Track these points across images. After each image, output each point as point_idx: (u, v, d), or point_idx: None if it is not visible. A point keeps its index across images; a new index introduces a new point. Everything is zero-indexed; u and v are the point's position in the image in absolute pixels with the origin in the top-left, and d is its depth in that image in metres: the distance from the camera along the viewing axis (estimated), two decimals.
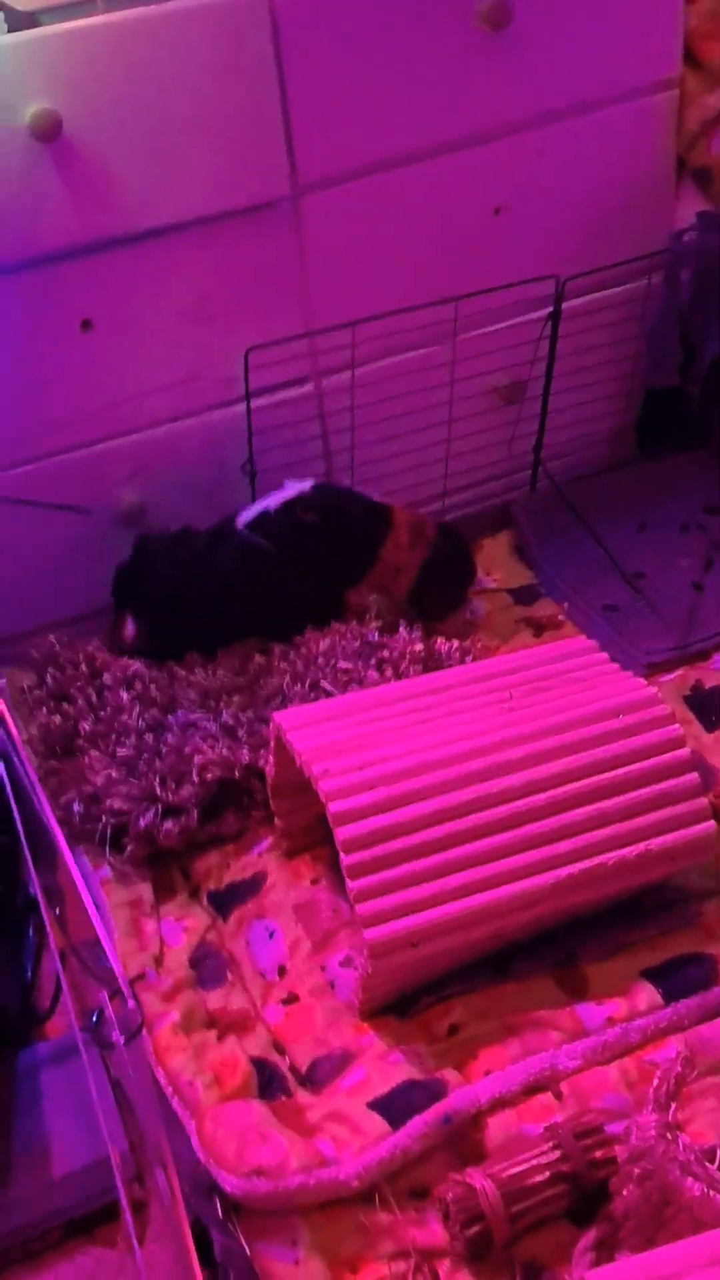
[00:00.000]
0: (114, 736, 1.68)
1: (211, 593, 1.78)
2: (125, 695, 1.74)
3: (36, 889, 1.47)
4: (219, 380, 1.80)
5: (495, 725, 1.44)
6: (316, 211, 1.75)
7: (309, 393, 1.87)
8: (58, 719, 1.71)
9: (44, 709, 1.74)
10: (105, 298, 1.69)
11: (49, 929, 1.45)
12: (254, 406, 1.80)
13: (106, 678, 1.77)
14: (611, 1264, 1.06)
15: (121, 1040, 1.02)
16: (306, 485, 1.78)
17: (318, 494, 1.78)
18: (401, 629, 1.80)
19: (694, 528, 2.03)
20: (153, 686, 1.75)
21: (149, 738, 1.67)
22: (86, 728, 1.70)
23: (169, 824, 1.60)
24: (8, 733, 1.38)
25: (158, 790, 1.61)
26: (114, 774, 1.63)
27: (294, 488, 1.78)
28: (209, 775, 1.62)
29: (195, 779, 1.61)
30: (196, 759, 1.63)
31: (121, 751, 1.66)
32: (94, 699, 1.74)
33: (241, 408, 1.80)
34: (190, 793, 1.61)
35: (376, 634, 1.79)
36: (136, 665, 1.78)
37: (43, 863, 1.45)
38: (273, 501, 1.77)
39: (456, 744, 1.42)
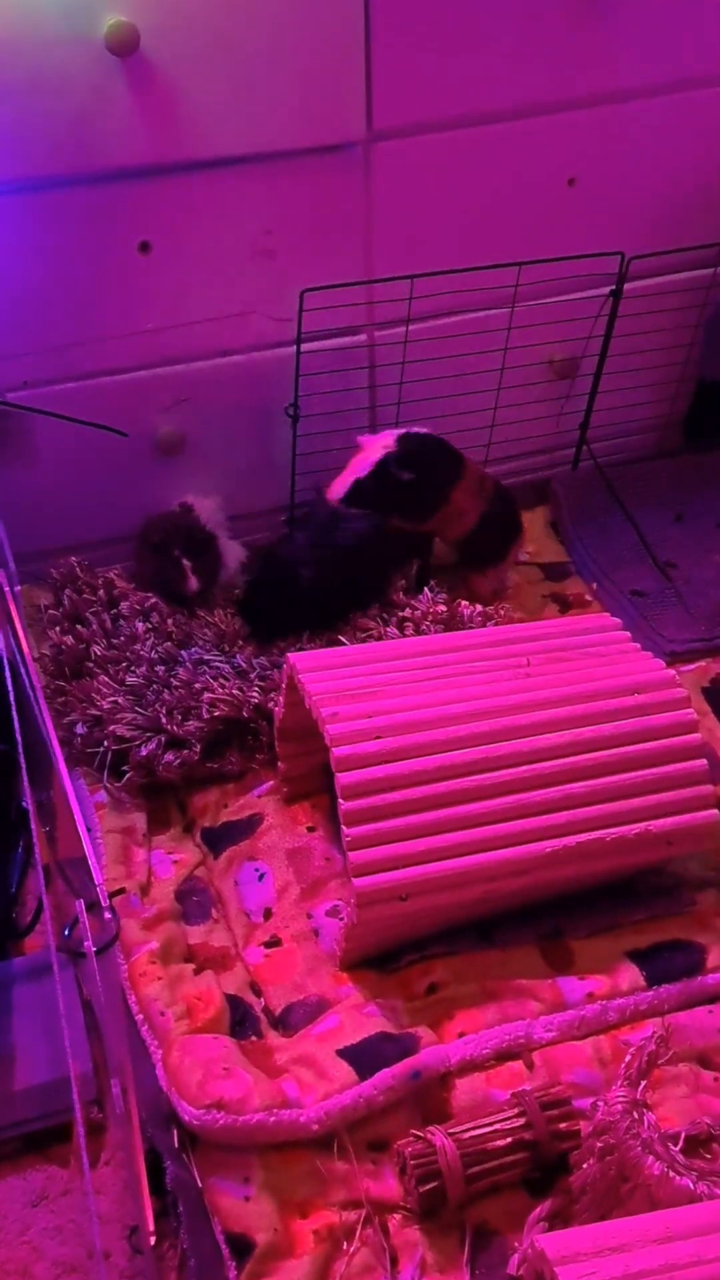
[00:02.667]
0: (125, 664, 1.68)
1: (355, 578, 1.77)
2: (140, 626, 1.73)
3: (30, 803, 1.46)
4: (272, 319, 1.78)
5: (509, 689, 1.43)
6: (388, 160, 1.72)
7: (361, 342, 1.85)
8: (70, 639, 1.70)
9: (57, 629, 1.73)
10: (166, 222, 1.67)
11: (37, 844, 1.44)
12: (304, 350, 1.78)
13: (124, 606, 1.76)
14: (564, 1230, 1.05)
15: (93, 950, 1.01)
16: (389, 439, 1.76)
17: (405, 448, 1.75)
18: (425, 591, 1.78)
19: None
20: (170, 621, 1.74)
21: (160, 669, 1.66)
22: (98, 651, 1.69)
23: (170, 755, 1.59)
24: (18, 645, 1.36)
25: (163, 721, 1.60)
26: (121, 700, 1.62)
27: (376, 446, 1.75)
28: (216, 712, 1.61)
29: (203, 715, 1.60)
30: (206, 695, 1.62)
31: (131, 679, 1.65)
32: (108, 625, 1.74)
33: (291, 350, 1.78)
34: (196, 727, 1.60)
35: (401, 593, 1.78)
36: (155, 598, 1.77)
37: (39, 780, 1.44)
38: (362, 468, 1.74)
39: (468, 703, 1.41)
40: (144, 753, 1.58)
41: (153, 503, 1.85)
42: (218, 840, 1.58)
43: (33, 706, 1.35)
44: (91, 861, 1.07)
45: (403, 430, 1.78)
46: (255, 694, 1.63)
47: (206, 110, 1.59)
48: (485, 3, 1.65)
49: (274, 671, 1.66)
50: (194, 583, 1.77)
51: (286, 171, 1.69)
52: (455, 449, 1.81)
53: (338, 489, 1.75)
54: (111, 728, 1.60)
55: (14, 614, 1.34)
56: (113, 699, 1.62)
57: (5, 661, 1.42)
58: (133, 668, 1.67)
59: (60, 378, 1.74)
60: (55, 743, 1.20)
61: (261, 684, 1.64)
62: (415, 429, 1.79)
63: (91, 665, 1.68)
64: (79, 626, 1.73)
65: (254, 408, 1.85)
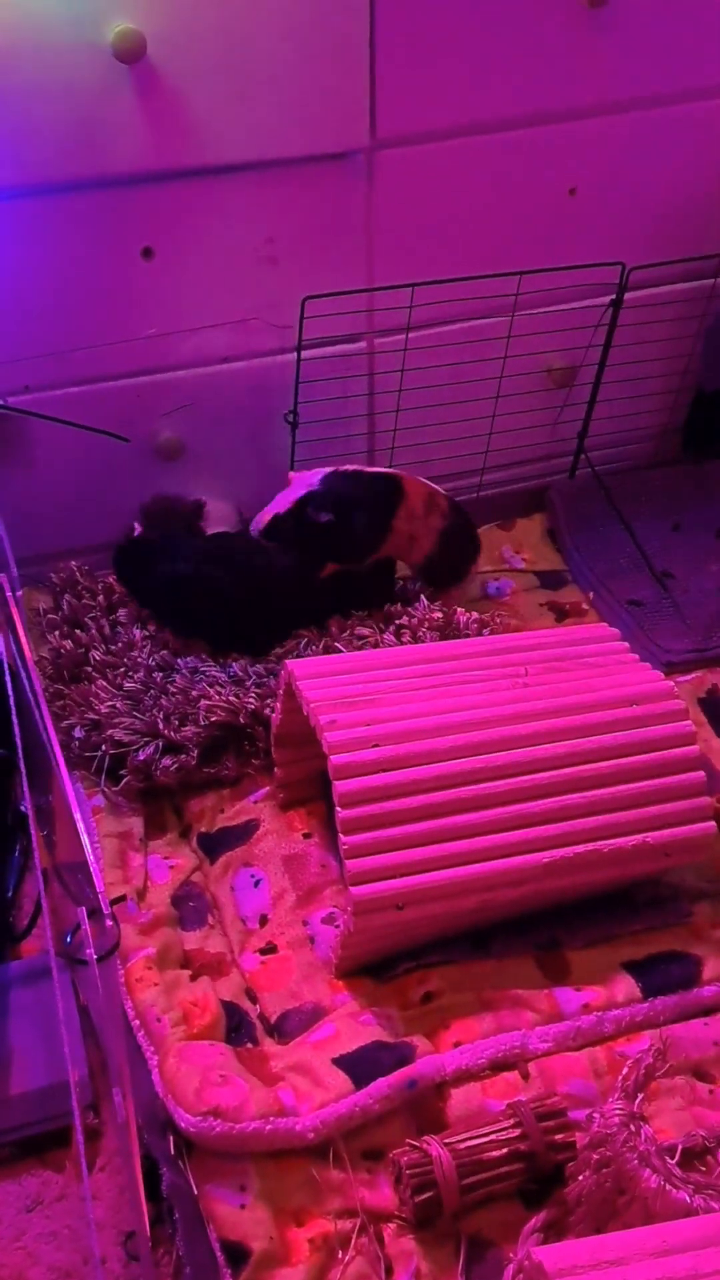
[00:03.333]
0: (123, 669, 1.68)
1: (257, 601, 1.76)
2: (138, 633, 1.73)
3: (28, 807, 1.46)
4: (273, 326, 1.78)
5: (507, 699, 1.44)
6: (391, 168, 1.72)
7: (361, 350, 1.85)
8: (69, 644, 1.71)
9: (57, 633, 1.74)
10: (169, 228, 1.67)
11: (35, 848, 1.44)
12: (304, 357, 1.78)
13: (122, 614, 1.77)
14: (560, 1243, 1.05)
15: (94, 957, 1.01)
16: (315, 479, 1.74)
17: (327, 487, 1.73)
18: (422, 598, 1.79)
19: None
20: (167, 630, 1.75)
21: (157, 675, 1.67)
22: (96, 656, 1.69)
23: (167, 760, 1.59)
24: (19, 648, 1.37)
25: (160, 726, 1.60)
26: (119, 705, 1.62)
27: (302, 484, 1.74)
28: (214, 718, 1.61)
29: (200, 721, 1.61)
30: (203, 702, 1.62)
31: (128, 684, 1.65)
32: (107, 630, 1.74)
33: (292, 357, 1.78)
34: (192, 733, 1.60)
35: (397, 604, 1.78)
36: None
37: (37, 784, 1.44)
38: (282, 504, 1.73)
39: (465, 712, 1.41)
40: (141, 757, 1.59)
41: None
42: (214, 846, 1.58)
43: (33, 710, 1.35)
44: (94, 868, 1.07)
45: (332, 469, 1.76)
46: (252, 700, 1.63)
47: (211, 117, 1.59)
48: (488, 13, 1.65)
49: (270, 679, 1.67)
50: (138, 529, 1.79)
51: (290, 179, 1.69)
52: (390, 478, 1.77)
53: (259, 521, 1.74)
54: (109, 732, 1.60)
55: (16, 618, 1.35)
56: (111, 703, 1.62)
57: (5, 665, 1.42)
58: (130, 673, 1.67)
59: (62, 382, 1.74)
60: (57, 748, 1.21)
61: (258, 690, 1.65)
62: (348, 467, 1.77)
63: (90, 670, 1.68)
64: (78, 631, 1.73)
65: (254, 414, 1.86)
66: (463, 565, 1.87)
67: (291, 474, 1.76)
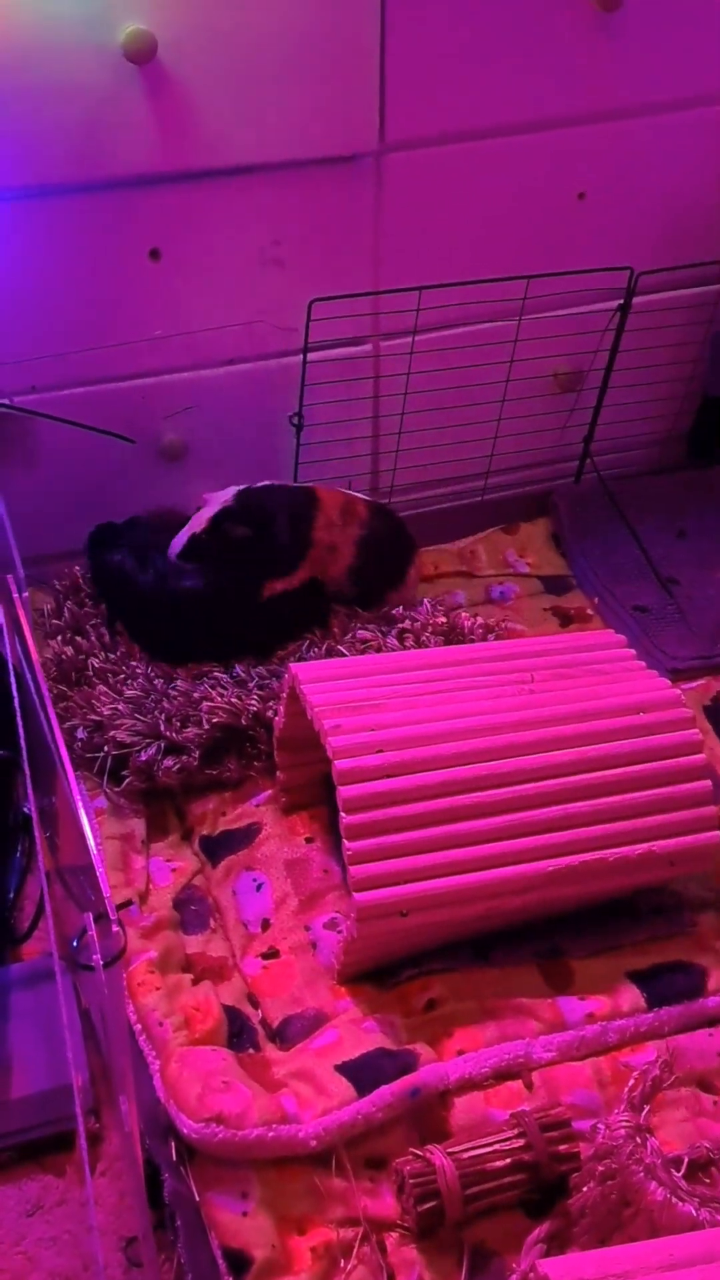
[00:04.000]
0: (123, 676, 1.68)
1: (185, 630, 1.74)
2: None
3: (32, 808, 1.46)
4: (279, 329, 1.78)
5: (512, 705, 1.43)
6: (399, 171, 1.72)
7: (367, 352, 1.85)
8: (70, 650, 1.70)
9: (59, 639, 1.73)
10: (177, 230, 1.67)
11: (39, 849, 1.44)
12: (310, 359, 1.78)
13: (120, 623, 1.76)
14: (566, 1255, 1.05)
15: (100, 963, 1.00)
16: (228, 495, 1.73)
17: (241, 503, 1.72)
18: (425, 602, 1.78)
19: None
20: None
21: (158, 682, 1.66)
22: (96, 664, 1.69)
23: (170, 761, 1.59)
24: (25, 649, 1.36)
25: (162, 728, 1.59)
26: (121, 707, 1.62)
27: (216, 501, 1.73)
28: (215, 719, 1.60)
29: (202, 723, 1.60)
30: (205, 704, 1.62)
31: (129, 691, 1.65)
32: (107, 639, 1.74)
33: (298, 359, 1.78)
34: (195, 734, 1.60)
35: (400, 607, 1.78)
36: None
37: (41, 785, 1.43)
38: (198, 524, 1.72)
39: (471, 718, 1.41)
40: (144, 758, 1.58)
41: (156, 507, 1.85)
42: (216, 849, 1.57)
43: (38, 712, 1.35)
44: (100, 873, 1.07)
45: (245, 486, 1.75)
46: (254, 702, 1.62)
47: (221, 119, 1.59)
48: (499, 18, 1.65)
49: (272, 680, 1.66)
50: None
51: (298, 181, 1.68)
52: (304, 490, 1.77)
53: (176, 544, 1.73)
54: (112, 733, 1.60)
55: (23, 619, 1.34)
56: (113, 706, 1.62)
57: (10, 666, 1.42)
58: (130, 680, 1.67)
59: (68, 383, 1.73)
60: (63, 750, 1.20)
61: (260, 692, 1.64)
62: (262, 484, 1.76)
63: (91, 675, 1.68)
64: (78, 638, 1.73)
65: (259, 416, 1.85)
66: (396, 569, 1.83)
67: (205, 495, 1.75)
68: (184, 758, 1.59)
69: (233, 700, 1.62)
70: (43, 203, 1.60)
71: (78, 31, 1.48)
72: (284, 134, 1.63)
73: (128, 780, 1.59)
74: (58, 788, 1.29)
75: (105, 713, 1.62)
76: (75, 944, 1.04)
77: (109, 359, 1.73)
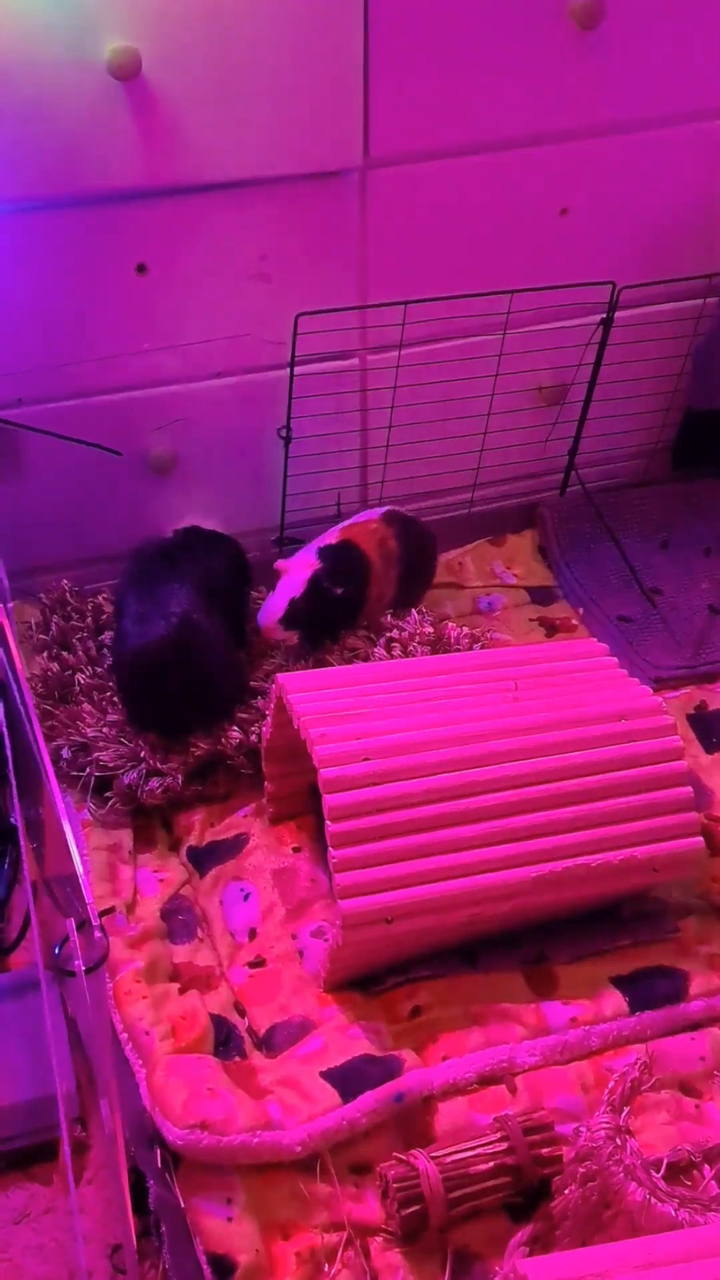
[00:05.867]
0: (109, 693, 1.68)
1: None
2: None
3: (18, 819, 1.46)
4: (267, 342, 1.79)
5: (497, 713, 1.44)
6: (384, 187, 1.73)
7: (353, 366, 1.86)
8: (56, 667, 1.71)
9: (45, 654, 1.74)
10: (163, 244, 1.68)
11: (25, 860, 1.44)
12: (297, 373, 1.79)
13: (108, 636, 1.76)
14: (544, 1256, 1.05)
15: (82, 969, 1.01)
16: (310, 557, 1.74)
17: (329, 563, 1.73)
18: (413, 613, 1.79)
19: (717, 552, 2.03)
20: None
21: None
22: (83, 680, 1.69)
23: (154, 783, 1.59)
24: (10, 662, 1.37)
25: (146, 754, 1.60)
26: (106, 730, 1.62)
27: (301, 565, 1.73)
28: (198, 752, 1.61)
29: (186, 752, 1.61)
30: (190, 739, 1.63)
31: (113, 715, 1.65)
32: (94, 653, 1.74)
33: (285, 373, 1.79)
34: (179, 762, 1.60)
35: (389, 615, 1.79)
36: None
37: (26, 796, 1.44)
38: (294, 588, 1.71)
39: (456, 726, 1.42)
40: (127, 780, 1.58)
41: (144, 521, 1.85)
42: (203, 859, 1.58)
43: (23, 723, 1.35)
44: (82, 880, 1.07)
45: (323, 545, 1.75)
46: (236, 733, 1.63)
47: (206, 134, 1.60)
48: (482, 35, 1.66)
49: (257, 699, 1.67)
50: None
51: (284, 197, 1.70)
52: (352, 549, 1.77)
53: (273, 612, 1.72)
54: (96, 754, 1.60)
55: (8, 631, 1.35)
56: (99, 728, 1.62)
57: None
58: (115, 702, 1.67)
59: (55, 396, 1.74)
60: (47, 760, 1.20)
61: (244, 717, 1.65)
62: (323, 541, 1.77)
63: (77, 693, 1.69)
64: (64, 653, 1.73)
65: (247, 429, 1.86)
66: (426, 577, 1.88)
67: (279, 563, 1.75)
68: (168, 780, 1.60)
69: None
70: (29, 217, 1.61)
71: (63, 47, 1.49)
72: (269, 150, 1.64)
73: (112, 802, 1.60)
74: (43, 798, 1.30)
75: (90, 734, 1.62)
76: (58, 951, 1.05)
77: (96, 372, 1.74)
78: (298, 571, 1.73)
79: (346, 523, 1.82)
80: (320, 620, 1.74)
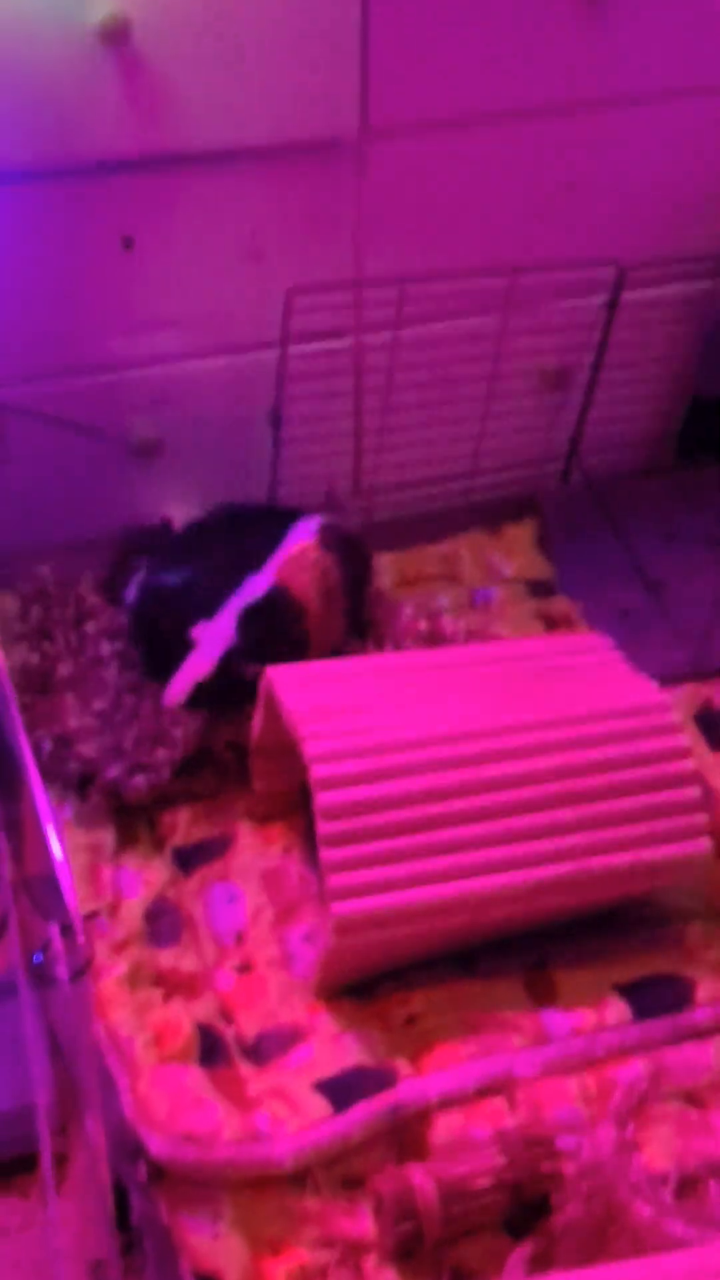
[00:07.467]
0: (92, 685, 1.63)
1: None
2: (106, 648, 1.67)
3: None
4: (257, 321, 1.74)
5: (496, 709, 1.40)
6: (382, 159, 1.69)
7: (347, 346, 1.81)
8: (36, 658, 1.66)
9: (24, 645, 1.69)
10: (151, 217, 1.64)
11: (3, 860, 1.40)
12: (289, 352, 1.75)
13: (89, 626, 1.70)
14: (547, 1275, 1.02)
15: (66, 976, 0.97)
16: (227, 630, 1.60)
17: (249, 633, 1.59)
18: (406, 606, 1.75)
19: None
20: None
21: (128, 698, 1.61)
22: (65, 672, 1.64)
23: (139, 779, 1.54)
24: None
25: (131, 748, 1.55)
26: (89, 721, 1.58)
27: (215, 638, 1.59)
28: (187, 746, 1.57)
29: (175, 745, 1.56)
30: (176, 730, 1.57)
31: (97, 704, 1.60)
32: (75, 644, 1.69)
33: (276, 353, 1.75)
34: (165, 756, 1.55)
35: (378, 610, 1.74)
36: (123, 619, 1.72)
37: (6, 793, 1.41)
38: (203, 667, 1.58)
39: (453, 723, 1.37)
40: (110, 775, 1.54)
41: (128, 505, 1.81)
42: (189, 859, 1.54)
43: (2, 717, 1.32)
44: (65, 883, 1.04)
45: (234, 610, 1.61)
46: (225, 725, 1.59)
47: (197, 103, 1.56)
48: (486, 2, 1.62)
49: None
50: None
51: (277, 168, 1.66)
52: (288, 601, 1.62)
53: (176, 693, 1.59)
54: (78, 747, 1.55)
55: None
56: (81, 720, 1.58)
57: None
58: (99, 693, 1.62)
59: (36, 375, 1.70)
60: (29, 754, 1.17)
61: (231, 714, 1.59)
62: (247, 599, 1.62)
63: (59, 684, 1.64)
64: (45, 643, 1.68)
65: (235, 411, 1.82)
66: (363, 595, 1.76)
67: (194, 630, 1.61)
68: (153, 775, 1.55)
69: (202, 724, 1.58)
70: (10, 189, 1.56)
71: (50, 11, 1.45)
72: (263, 118, 1.60)
73: (94, 799, 1.55)
74: (23, 795, 1.27)
75: (72, 725, 1.57)
76: (38, 957, 1.02)
77: (80, 351, 1.70)
78: (210, 645, 1.60)
79: (281, 557, 1.67)
80: (233, 701, 1.60)
